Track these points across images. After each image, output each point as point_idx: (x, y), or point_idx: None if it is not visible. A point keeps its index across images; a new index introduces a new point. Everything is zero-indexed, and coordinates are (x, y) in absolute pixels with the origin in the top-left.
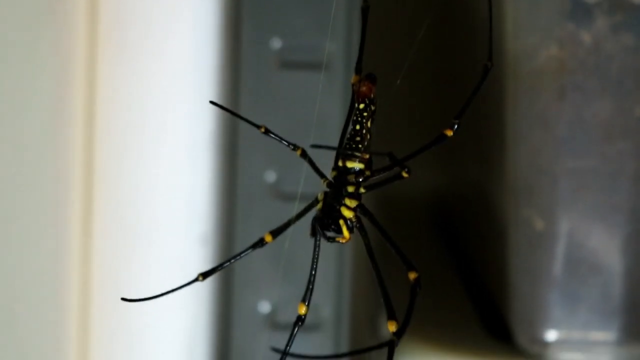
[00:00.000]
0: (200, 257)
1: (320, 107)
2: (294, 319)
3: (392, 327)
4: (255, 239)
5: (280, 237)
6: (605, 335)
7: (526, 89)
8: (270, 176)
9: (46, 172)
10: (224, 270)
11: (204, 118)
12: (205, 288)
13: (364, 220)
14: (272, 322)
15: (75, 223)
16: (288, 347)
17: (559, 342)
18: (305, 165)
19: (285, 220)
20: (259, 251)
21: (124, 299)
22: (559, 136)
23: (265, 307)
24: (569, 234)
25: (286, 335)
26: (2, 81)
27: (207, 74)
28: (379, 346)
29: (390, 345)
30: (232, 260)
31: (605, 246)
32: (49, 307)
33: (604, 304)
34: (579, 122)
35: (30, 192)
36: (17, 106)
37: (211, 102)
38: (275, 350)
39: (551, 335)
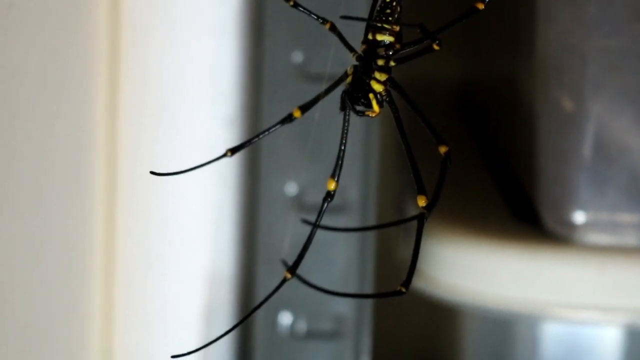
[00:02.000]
0: (227, 138)
1: None
2: (320, 201)
3: (421, 202)
4: None
5: (308, 115)
6: (633, 217)
7: None
8: (297, 57)
9: (71, 41)
10: (251, 152)
11: None
12: (232, 170)
13: (394, 95)
14: (299, 204)
15: (100, 105)
16: (318, 220)
17: (586, 224)
18: (333, 43)
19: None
20: (286, 132)
21: (152, 173)
22: (589, 15)
23: (292, 188)
24: (598, 115)
25: (313, 217)
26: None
27: None
28: (409, 219)
29: (420, 219)
30: (261, 136)
31: (634, 127)
32: (75, 184)
33: (632, 185)
34: (609, 0)
35: (56, 61)
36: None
37: None
38: (306, 222)
39: (579, 217)
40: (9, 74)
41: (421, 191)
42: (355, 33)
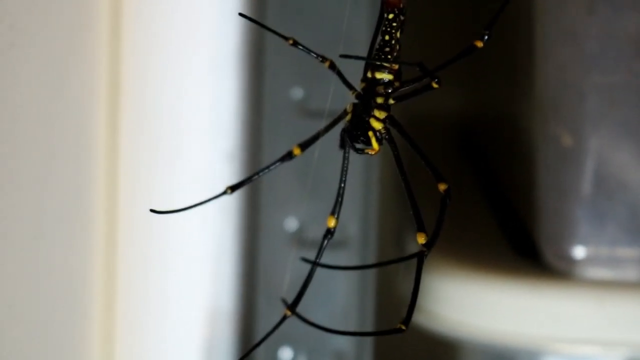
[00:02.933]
0: (227, 173)
1: (348, 19)
2: (320, 236)
3: (421, 239)
4: (281, 155)
5: (307, 152)
6: (633, 251)
7: (555, 2)
8: (297, 92)
9: (71, 82)
10: (251, 187)
11: (230, 31)
12: (232, 205)
13: (393, 132)
14: (298, 239)
15: (99, 141)
16: (318, 258)
17: (586, 259)
18: (333, 80)
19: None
20: (285, 168)
21: (152, 211)
22: (588, 51)
23: (292, 224)
24: (597, 150)
25: (313, 252)
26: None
27: None
28: (409, 257)
29: (420, 257)
30: (261, 173)
31: (633, 162)
32: (75, 220)
33: (632, 220)
34: (608, 36)
35: (55, 101)
36: (42, 15)
37: (240, 14)
38: (306, 260)
39: (578, 251)
40: (9, 114)
41: (420, 228)
42: (355, 69)
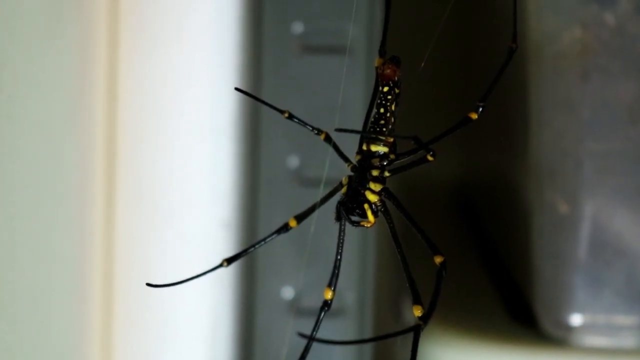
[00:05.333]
0: (223, 242)
1: (343, 91)
2: (317, 304)
3: (417, 312)
4: (278, 224)
5: (304, 222)
6: (630, 319)
7: (550, 71)
8: (293, 161)
9: (69, 154)
10: (248, 256)
11: (226, 102)
12: (228, 273)
13: (389, 204)
14: (295, 307)
15: (97, 209)
16: (314, 332)
17: (583, 327)
18: (329, 149)
19: (308, 205)
20: (282, 236)
21: (149, 285)
22: (583, 119)
23: (288, 292)
24: (593, 217)
25: (310, 321)
26: (25, 58)
27: (230, 58)
28: (405, 331)
29: (416, 331)
30: (257, 246)
31: (630, 229)
32: (73, 292)
33: (629, 287)
34: (603, 104)
35: (54, 174)
36: (40, 86)
37: (236, 88)
38: (302, 335)
39: (576, 319)
40: (8, 185)
41: (417, 301)
42: (350, 140)
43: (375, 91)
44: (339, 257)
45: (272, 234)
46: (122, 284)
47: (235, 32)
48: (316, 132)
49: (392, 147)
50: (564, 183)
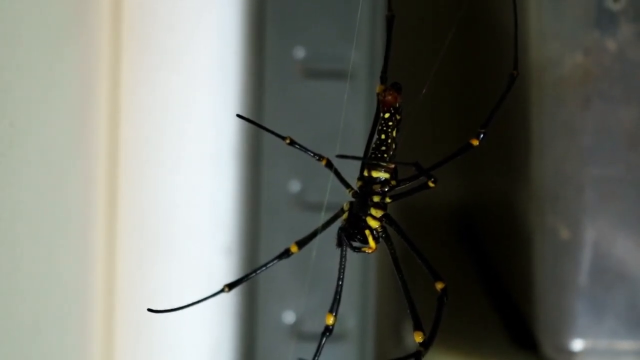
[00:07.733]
0: (225, 267)
1: (345, 116)
2: (318, 329)
3: (418, 338)
4: (279, 249)
5: (305, 248)
6: (632, 344)
7: (551, 97)
8: (295, 186)
9: (71, 182)
10: (249, 281)
11: (228, 128)
12: (229, 298)
13: (390, 230)
14: (297, 332)
15: (99, 235)
16: (316, 358)
17: (585, 351)
18: (331, 175)
19: (309, 230)
20: (283, 261)
21: (150, 310)
22: (584, 144)
23: (290, 317)
24: (594, 242)
25: (311, 346)
26: (27, 85)
27: (231, 84)
28: (406, 357)
29: (417, 356)
30: (258, 271)
31: (631, 255)
32: (74, 319)
33: (630, 312)
34: (604, 130)
35: (56, 202)
36: (42, 113)
37: (238, 115)
38: None
39: (577, 344)
40: (10, 213)
41: (418, 327)
42: (351, 165)
43: (377, 117)
44: (340, 282)
45: (274, 259)
46: (123, 308)
47: (237, 57)
48: (317, 158)
49: (393, 173)
50: (566, 208)
